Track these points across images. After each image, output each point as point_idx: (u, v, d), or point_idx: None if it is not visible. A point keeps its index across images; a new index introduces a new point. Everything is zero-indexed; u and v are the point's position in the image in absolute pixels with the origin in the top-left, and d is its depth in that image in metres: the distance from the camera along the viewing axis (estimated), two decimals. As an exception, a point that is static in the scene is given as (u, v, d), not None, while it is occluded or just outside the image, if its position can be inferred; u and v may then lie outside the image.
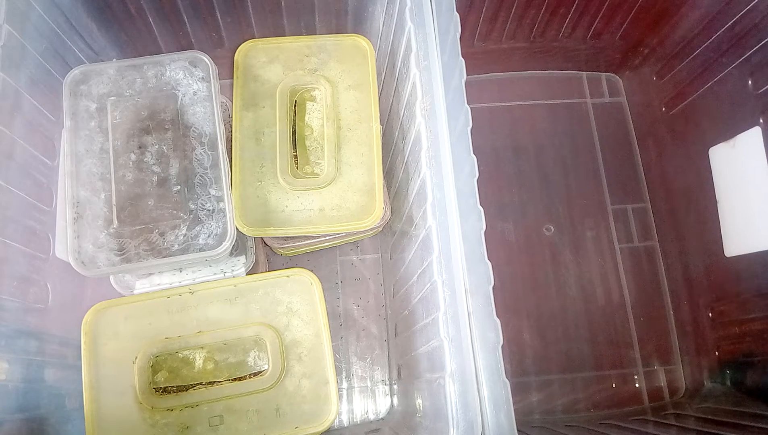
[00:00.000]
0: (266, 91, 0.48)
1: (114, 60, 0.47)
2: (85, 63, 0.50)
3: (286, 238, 0.54)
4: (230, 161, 0.45)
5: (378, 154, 0.46)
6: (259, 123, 0.47)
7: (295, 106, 0.49)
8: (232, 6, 0.57)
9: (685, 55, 0.61)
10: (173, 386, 0.43)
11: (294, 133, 0.48)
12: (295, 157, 0.48)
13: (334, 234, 0.52)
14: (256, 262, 0.52)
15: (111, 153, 0.43)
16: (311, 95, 0.49)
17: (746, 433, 0.50)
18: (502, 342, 0.36)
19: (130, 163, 0.43)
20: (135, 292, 0.46)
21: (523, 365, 0.64)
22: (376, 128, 0.47)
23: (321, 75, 0.48)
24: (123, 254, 0.41)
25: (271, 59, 0.48)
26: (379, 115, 0.47)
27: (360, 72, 0.48)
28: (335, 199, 0.46)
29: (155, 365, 0.43)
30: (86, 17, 0.53)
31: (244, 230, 0.44)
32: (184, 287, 0.45)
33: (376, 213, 0.45)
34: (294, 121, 0.48)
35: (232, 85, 0.48)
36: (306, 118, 0.49)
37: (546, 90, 0.73)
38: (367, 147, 0.47)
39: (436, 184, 0.39)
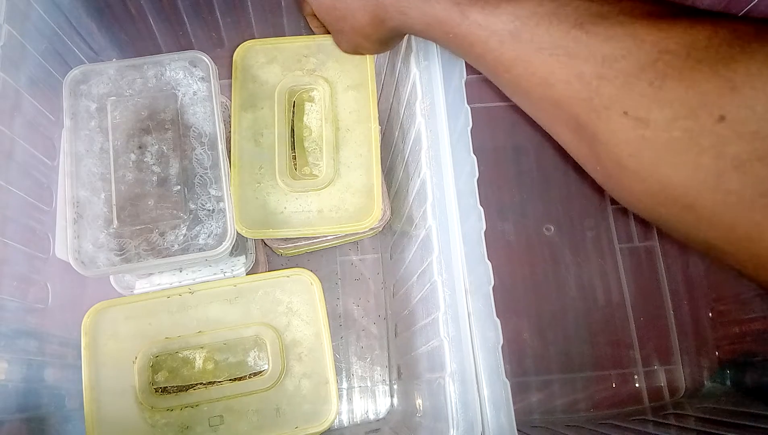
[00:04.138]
0: (265, 92, 0.47)
1: (114, 60, 0.47)
2: (85, 63, 0.50)
3: (286, 239, 0.54)
4: (229, 162, 0.45)
5: (377, 156, 0.46)
6: (258, 124, 0.47)
7: (293, 106, 0.49)
8: (232, 6, 0.57)
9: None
10: (173, 386, 0.43)
11: (293, 134, 0.48)
12: (294, 158, 0.48)
13: (334, 234, 0.52)
14: (256, 262, 0.52)
15: (111, 153, 0.43)
16: (310, 96, 0.49)
17: (746, 433, 0.50)
18: (502, 342, 0.36)
19: (130, 163, 0.43)
20: (135, 292, 0.46)
21: (523, 365, 0.64)
22: (375, 129, 0.46)
23: (319, 75, 0.48)
24: (123, 254, 0.41)
25: (270, 60, 0.48)
26: (378, 115, 0.47)
27: (358, 72, 0.48)
28: (334, 201, 0.46)
29: (155, 365, 0.43)
30: (86, 17, 0.53)
31: (243, 232, 0.44)
32: (184, 287, 0.45)
33: (375, 214, 0.45)
34: (292, 122, 0.48)
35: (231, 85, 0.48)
36: (304, 119, 0.49)
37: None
38: (365, 148, 0.46)
39: (436, 184, 0.39)
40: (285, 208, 0.45)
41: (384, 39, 0.40)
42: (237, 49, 0.48)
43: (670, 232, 0.27)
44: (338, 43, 0.44)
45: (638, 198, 0.26)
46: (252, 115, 0.47)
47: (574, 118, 0.27)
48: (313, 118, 0.49)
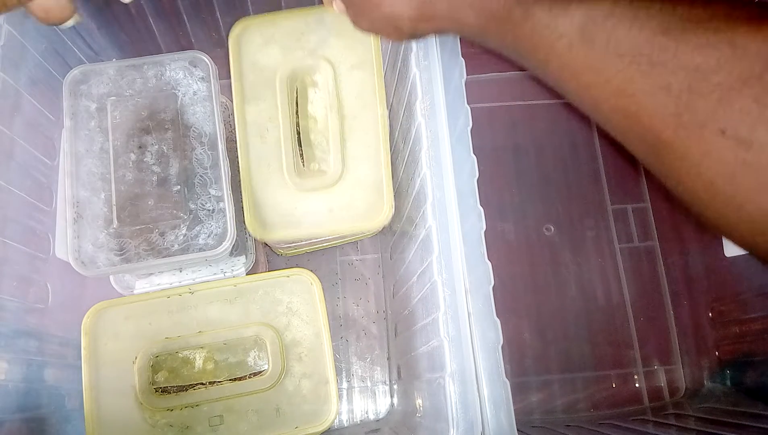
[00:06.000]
0: (266, 79, 0.45)
1: (114, 60, 0.47)
2: (85, 63, 0.50)
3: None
4: (238, 162, 0.44)
5: (385, 146, 0.44)
6: (262, 117, 0.45)
7: (296, 92, 0.46)
8: (232, 6, 0.57)
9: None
10: (173, 386, 0.43)
11: (298, 126, 0.46)
12: (301, 151, 0.46)
13: (345, 234, 0.51)
14: (256, 262, 0.52)
15: (111, 153, 0.43)
16: (312, 80, 0.46)
17: (746, 433, 0.50)
18: (502, 342, 0.36)
19: (130, 163, 0.43)
20: (135, 292, 0.46)
21: (523, 365, 0.64)
22: (383, 116, 0.44)
23: (321, 56, 0.45)
24: (123, 254, 0.41)
25: (267, 40, 0.45)
26: (385, 98, 0.44)
27: (362, 48, 0.45)
28: (344, 199, 0.44)
29: (155, 365, 0.43)
30: (86, 17, 0.53)
31: (257, 235, 0.43)
32: (184, 287, 0.45)
33: (385, 212, 0.43)
34: (297, 113, 0.46)
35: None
36: (309, 108, 0.46)
37: (546, 90, 0.73)
38: (373, 137, 0.44)
39: (436, 184, 0.39)
40: (296, 208, 0.44)
41: (419, 35, 0.36)
42: (231, 31, 0.45)
43: (766, 262, 0.25)
44: (356, 23, 0.40)
45: (731, 225, 0.24)
46: (255, 107, 0.44)
47: (655, 133, 0.24)
48: (318, 106, 0.46)
